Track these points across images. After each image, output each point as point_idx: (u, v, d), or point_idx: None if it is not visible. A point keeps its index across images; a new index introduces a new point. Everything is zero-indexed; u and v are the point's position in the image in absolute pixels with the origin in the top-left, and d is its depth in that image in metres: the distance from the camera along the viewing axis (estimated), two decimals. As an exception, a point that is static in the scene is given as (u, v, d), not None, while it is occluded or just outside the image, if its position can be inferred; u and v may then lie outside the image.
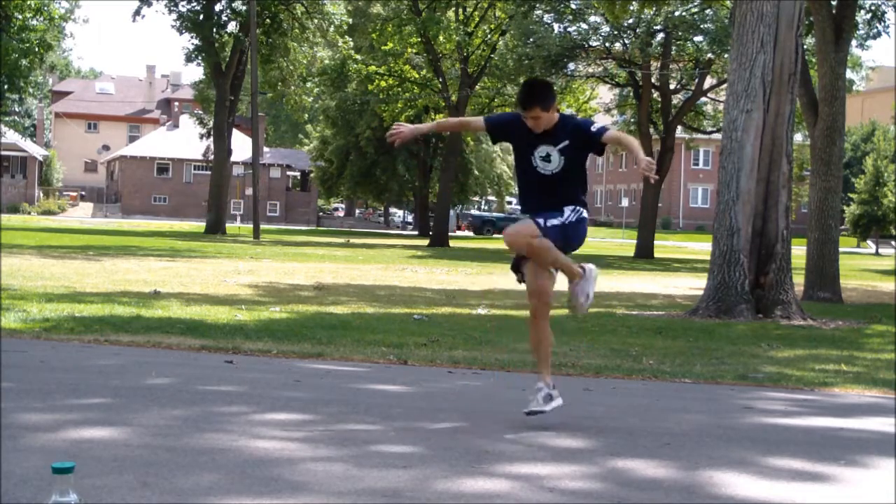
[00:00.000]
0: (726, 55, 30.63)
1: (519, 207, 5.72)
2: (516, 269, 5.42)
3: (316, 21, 44.23)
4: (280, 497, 3.63)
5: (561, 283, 5.49)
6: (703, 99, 42.82)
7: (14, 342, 8.14)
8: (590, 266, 5.52)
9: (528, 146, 5.31)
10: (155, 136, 79.07)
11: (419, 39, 42.85)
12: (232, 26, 44.35)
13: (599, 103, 46.38)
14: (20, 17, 38.55)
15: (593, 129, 5.28)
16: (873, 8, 27.20)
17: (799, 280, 16.86)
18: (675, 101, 41.55)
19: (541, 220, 5.18)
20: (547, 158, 5.26)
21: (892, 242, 59.48)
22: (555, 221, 5.19)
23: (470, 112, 46.81)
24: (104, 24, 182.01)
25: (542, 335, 5.36)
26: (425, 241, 46.16)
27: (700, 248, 46.81)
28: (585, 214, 5.34)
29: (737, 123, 14.06)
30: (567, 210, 5.26)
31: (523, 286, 5.42)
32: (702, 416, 6.05)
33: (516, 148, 5.44)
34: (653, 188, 39.47)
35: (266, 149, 74.29)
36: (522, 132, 5.31)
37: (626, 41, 39.02)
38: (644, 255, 38.11)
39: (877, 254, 58.11)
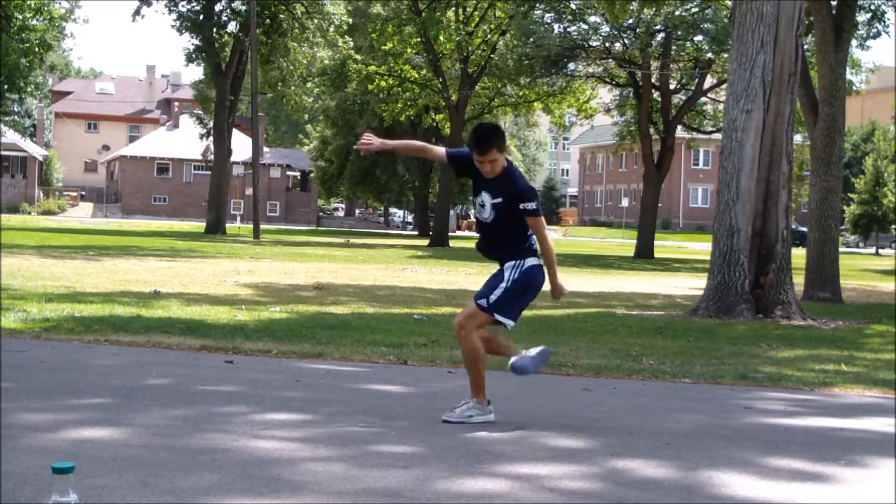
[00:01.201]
0: (726, 55, 30.62)
1: None
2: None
3: (316, 21, 44.21)
4: (280, 497, 3.63)
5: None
6: (703, 99, 42.81)
7: (14, 342, 8.14)
8: (542, 350, 5.54)
9: (475, 189, 5.39)
10: (155, 136, 79.06)
11: (419, 39, 42.85)
12: (232, 26, 44.36)
13: (599, 103, 46.37)
14: (20, 17, 38.54)
15: (523, 206, 5.23)
16: (873, 8, 27.20)
17: (799, 280, 16.86)
18: (675, 101, 41.54)
19: (483, 302, 5.28)
20: (482, 206, 5.33)
21: (893, 243, 59.48)
22: (498, 293, 5.25)
23: (470, 112, 46.83)
24: (104, 24, 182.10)
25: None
26: (425, 241, 46.16)
27: (700, 248, 46.81)
28: (532, 261, 5.30)
29: (737, 123, 14.06)
30: (507, 272, 5.30)
31: None
32: (702, 416, 6.05)
33: (473, 187, 5.47)
34: (653, 188, 39.46)
35: (266, 149, 74.29)
36: (473, 172, 5.35)
37: (626, 41, 39.00)
38: (644, 255, 38.11)
39: (877, 254, 58.12)
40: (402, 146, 6.01)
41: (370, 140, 5.40)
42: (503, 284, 5.27)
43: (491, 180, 5.28)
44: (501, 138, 5.28)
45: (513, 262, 5.30)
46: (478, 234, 5.58)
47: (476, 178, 5.35)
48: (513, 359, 5.46)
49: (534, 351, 5.50)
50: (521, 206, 5.23)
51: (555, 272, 5.40)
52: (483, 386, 5.35)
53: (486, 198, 5.30)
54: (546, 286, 5.38)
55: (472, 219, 79.11)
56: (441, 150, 5.56)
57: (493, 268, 5.49)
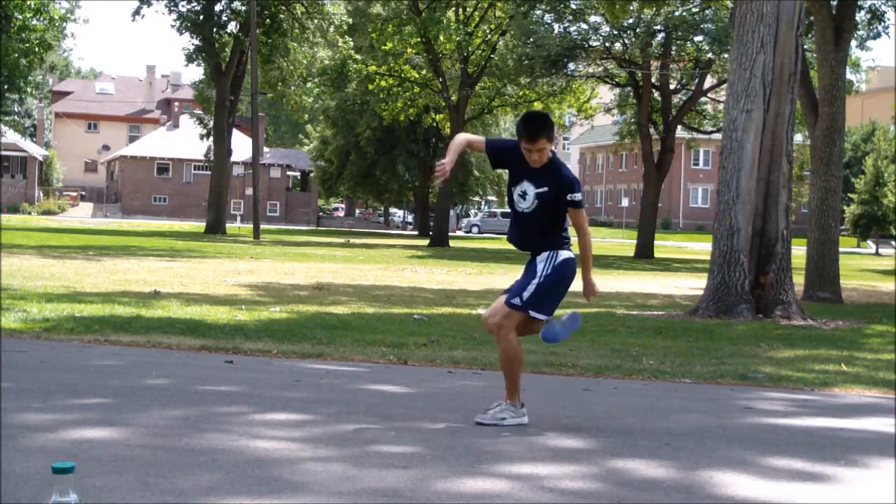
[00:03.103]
0: (726, 55, 30.63)
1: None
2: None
3: (316, 21, 44.22)
4: (280, 497, 3.63)
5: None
6: (703, 99, 42.82)
7: (14, 342, 8.14)
8: (573, 314, 5.48)
9: (515, 175, 5.28)
10: (155, 136, 79.06)
11: (419, 39, 42.85)
12: (232, 26, 44.36)
13: (599, 103, 46.38)
14: (20, 17, 38.53)
15: (571, 197, 5.18)
16: (873, 8, 27.20)
17: (799, 280, 16.86)
18: (675, 101, 41.54)
19: (516, 301, 5.20)
20: (523, 196, 5.24)
21: (893, 242, 59.48)
22: (531, 289, 5.18)
23: (470, 112, 46.83)
24: (104, 24, 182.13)
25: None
26: (425, 241, 46.16)
27: (700, 248, 46.81)
28: (565, 254, 5.26)
29: (737, 123, 14.06)
30: (539, 265, 5.24)
31: None
32: (702, 416, 6.05)
33: (510, 174, 5.37)
34: (653, 188, 39.47)
35: (266, 149, 74.27)
36: (516, 160, 5.26)
37: (626, 41, 39.01)
38: (644, 255, 38.11)
39: (877, 254, 58.11)
40: (455, 152, 5.62)
41: (442, 167, 5.32)
42: (535, 280, 5.20)
43: (536, 170, 5.19)
44: (551, 127, 5.21)
45: (546, 254, 5.23)
46: (510, 231, 5.47)
47: (517, 167, 5.26)
48: (541, 330, 5.38)
49: (564, 317, 5.42)
50: (568, 197, 5.17)
51: (590, 269, 5.37)
52: (518, 388, 5.28)
53: (528, 187, 5.20)
54: (578, 283, 5.32)
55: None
56: (480, 139, 5.47)
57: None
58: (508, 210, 5.51)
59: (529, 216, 5.25)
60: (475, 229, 69.40)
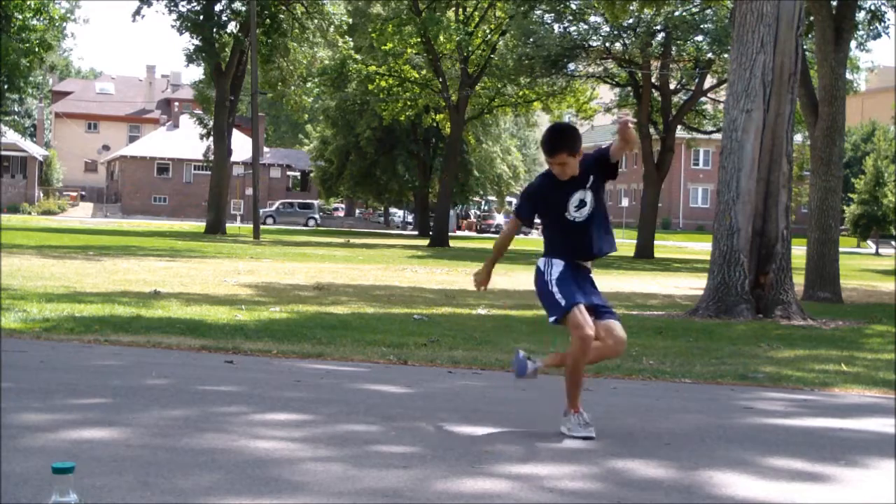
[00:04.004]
0: (726, 55, 30.62)
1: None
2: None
3: (316, 21, 44.21)
4: (280, 497, 3.63)
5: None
6: (703, 99, 42.82)
7: (14, 342, 8.14)
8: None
9: (559, 200, 5.09)
10: (155, 136, 79.07)
11: (419, 39, 42.85)
12: (232, 26, 44.36)
13: (599, 103, 46.38)
14: (20, 17, 38.53)
15: (599, 155, 5.13)
16: (873, 8, 27.20)
17: (799, 280, 16.86)
18: (675, 101, 41.55)
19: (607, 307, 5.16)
20: (581, 204, 5.08)
21: (893, 242, 59.48)
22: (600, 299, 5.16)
23: (470, 112, 46.82)
24: (104, 24, 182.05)
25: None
26: (425, 241, 46.15)
27: (700, 248, 46.80)
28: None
29: (737, 123, 14.06)
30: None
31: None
32: (702, 416, 6.05)
33: (547, 207, 5.17)
34: (653, 188, 39.45)
35: (266, 149, 74.30)
36: (549, 191, 5.13)
37: (626, 41, 39.02)
38: (644, 255, 38.11)
39: (877, 254, 58.10)
40: (497, 253, 5.54)
41: (482, 281, 5.43)
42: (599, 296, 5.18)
43: (573, 178, 5.07)
44: (574, 140, 5.05)
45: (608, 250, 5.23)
46: (573, 246, 5.14)
47: (552, 194, 5.12)
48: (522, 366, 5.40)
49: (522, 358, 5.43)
50: (602, 161, 5.09)
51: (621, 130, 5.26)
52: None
53: (579, 195, 5.07)
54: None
55: (473, 219, 79.35)
56: (515, 223, 5.36)
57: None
58: None
59: (591, 219, 5.11)
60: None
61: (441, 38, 42.02)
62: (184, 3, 42.86)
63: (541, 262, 5.19)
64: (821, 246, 18.88)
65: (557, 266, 5.11)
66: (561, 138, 5.08)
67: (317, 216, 72.06)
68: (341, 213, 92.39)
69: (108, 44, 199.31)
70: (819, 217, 18.98)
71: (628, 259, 36.55)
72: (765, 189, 14.02)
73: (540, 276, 5.15)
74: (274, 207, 71.09)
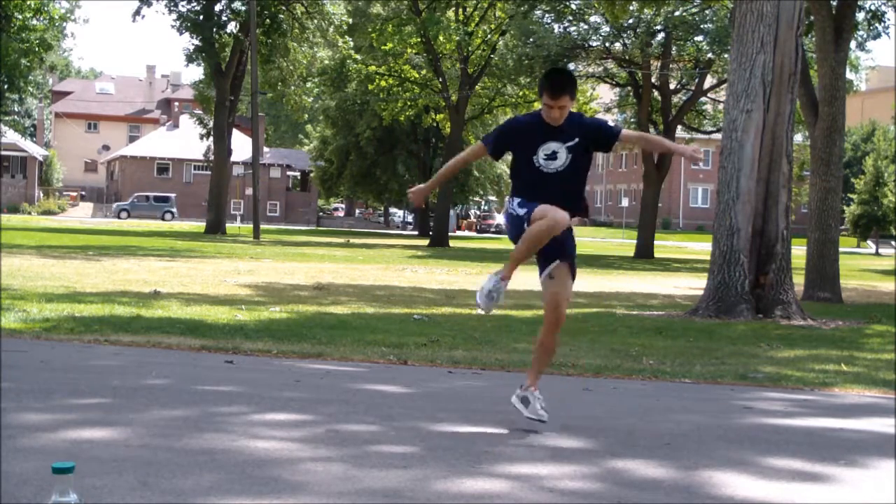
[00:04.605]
0: (726, 55, 30.62)
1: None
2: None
3: (316, 21, 44.22)
4: (280, 497, 3.63)
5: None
6: (703, 99, 42.82)
7: (14, 342, 8.14)
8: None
9: (531, 144, 5.06)
10: (155, 136, 79.06)
11: (419, 39, 42.86)
12: (232, 26, 44.38)
13: (599, 103, 46.39)
14: (20, 17, 38.54)
15: (610, 129, 5.14)
16: (873, 8, 27.20)
17: (799, 280, 16.86)
18: (675, 101, 41.55)
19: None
20: (553, 156, 5.04)
21: (893, 242, 59.48)
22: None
23: (470, 112, 46.82)
24: (104, 24, 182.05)
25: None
26: (425, 241, 46.16)
27: (700, 248, 46.80)
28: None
29: (737, 123, 14.05)
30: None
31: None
32: (702, 416, 6.05)
33: (518, 149, 5.17)
34: (653, 188, 39.47)
35: (266, 149, 74.27)
36: (525, 132, 5.11)
37: (626, 41, 39.02)
38: (644, 256, 38.11)
39: (877, 254, 58.10)
40: (443, 176, 5.68)
41: (417, 191, 5.40)
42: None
43: (556, 129, 5.01)
44: (575, 84, 5.06)
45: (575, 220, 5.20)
46: (534, 193, 5.07)
47: (530, 135, 5.06)
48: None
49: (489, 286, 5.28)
50: (609, 126, 5.13)
51: (672, 144, 5.46)
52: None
53: (555, 146, 5.01)
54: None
55: (473, 219, 79.36)
56: (476, 146, 5.32)
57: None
58: None
59: (563, 174, 5.05)
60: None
61: (441, 38, 42.04)
62: (184, 3, 42.88)
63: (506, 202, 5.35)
64: (821, 246, 18.87)
65: (518, 200, 5.16)
66: (569, 81, 5.04)
67: (173, 210, 67.77)
68: (341, 213, 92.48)
69: (108, 44, 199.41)
70: (819, 217, 18.97)
71: (628, 259, 36.56)
72: (765, 189, 14.02)
73: (506, 213, 5.27)
74: (129, 202, 68.68)
